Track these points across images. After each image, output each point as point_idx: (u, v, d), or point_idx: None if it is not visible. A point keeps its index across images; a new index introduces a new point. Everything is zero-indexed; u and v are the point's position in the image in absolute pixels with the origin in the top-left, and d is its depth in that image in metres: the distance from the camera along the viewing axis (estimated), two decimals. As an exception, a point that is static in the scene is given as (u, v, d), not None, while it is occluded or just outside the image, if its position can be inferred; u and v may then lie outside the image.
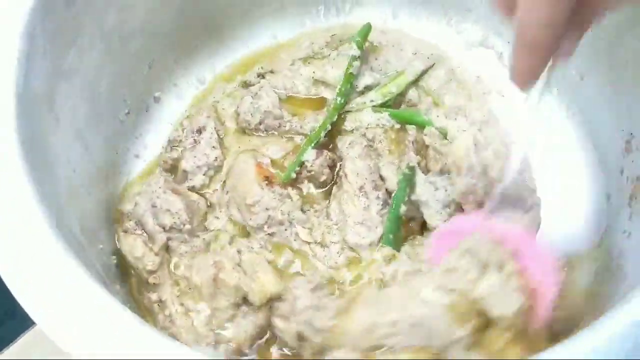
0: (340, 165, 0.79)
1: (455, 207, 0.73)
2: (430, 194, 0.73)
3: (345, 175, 0.76)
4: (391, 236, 0.72)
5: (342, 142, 0.80)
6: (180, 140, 0.82)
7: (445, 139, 0.78)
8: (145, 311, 0.70)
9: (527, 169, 0.70)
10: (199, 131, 0.81)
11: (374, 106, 0.84)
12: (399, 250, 0.72)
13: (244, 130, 0.83)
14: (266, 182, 0.76)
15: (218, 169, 0.80)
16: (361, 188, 0.75)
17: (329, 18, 0.95)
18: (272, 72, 0.89)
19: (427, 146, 0.78)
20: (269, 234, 0.74)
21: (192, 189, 0.78)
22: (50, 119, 0.64)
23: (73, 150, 0.68)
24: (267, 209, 0.74)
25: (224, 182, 0.79)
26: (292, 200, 0.76)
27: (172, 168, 0.81)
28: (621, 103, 0.74)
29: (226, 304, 0.67)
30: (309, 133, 0.81)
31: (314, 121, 0.83)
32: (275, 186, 0.76)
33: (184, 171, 0.79)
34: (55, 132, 0.64)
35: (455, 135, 0.78)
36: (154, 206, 0.73)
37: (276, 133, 0.83)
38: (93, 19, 0.71)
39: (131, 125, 0.83)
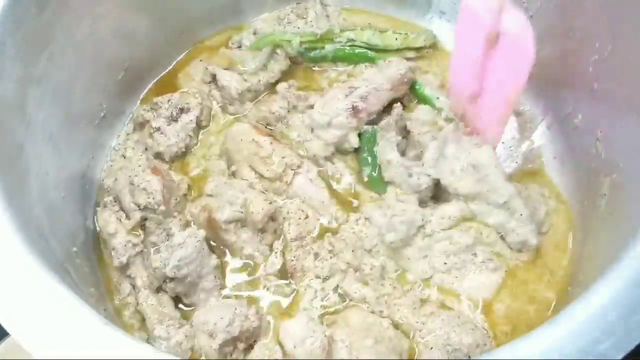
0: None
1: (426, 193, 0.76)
2: (402, 178, 0.75)
3: None
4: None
5: None
6: (160, 107, 0.82)
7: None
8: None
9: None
10: (182, 110, 0.82)
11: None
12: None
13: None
14: (270, 137, 0.79)
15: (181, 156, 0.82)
16: None
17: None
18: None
19: (409, 131, 0.80)
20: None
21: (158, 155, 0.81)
22: (21, 124, 0.65)
23: (45, 154, 0.69)
24: (283, 157, 0.76)
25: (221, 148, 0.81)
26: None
27: (141, 125, 0.83)
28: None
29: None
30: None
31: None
32: (279, 141, 0.80)
33: (151, 134, 0.80)
34: (26, 136, 0.65)
35: None
36: (131, 184, 0.74)
37: None
38: (65, 27, 0.72)
39: (108, 128, 0.84)
